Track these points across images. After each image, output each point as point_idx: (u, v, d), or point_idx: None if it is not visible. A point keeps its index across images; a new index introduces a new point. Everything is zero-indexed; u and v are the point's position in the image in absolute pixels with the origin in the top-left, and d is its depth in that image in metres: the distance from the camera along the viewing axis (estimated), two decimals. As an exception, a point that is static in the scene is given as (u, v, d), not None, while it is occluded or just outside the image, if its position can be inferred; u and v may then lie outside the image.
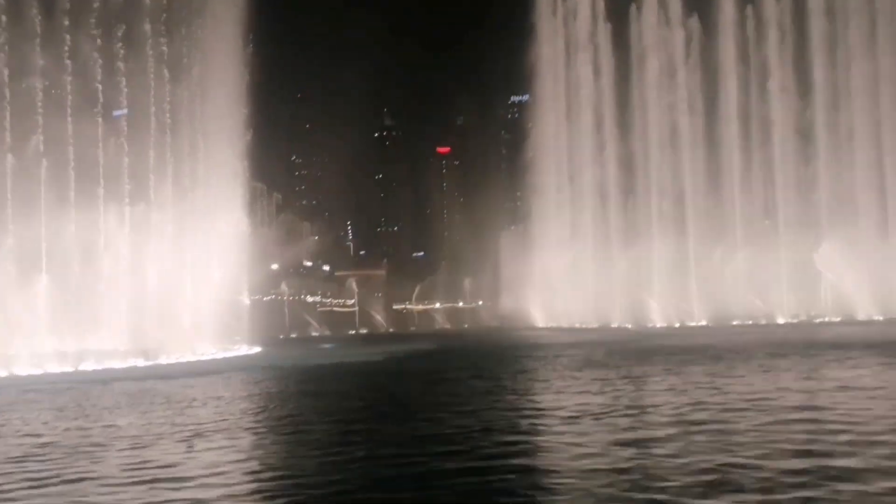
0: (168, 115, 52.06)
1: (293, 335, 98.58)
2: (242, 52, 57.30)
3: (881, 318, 73.67)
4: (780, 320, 78.95)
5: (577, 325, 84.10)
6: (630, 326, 79.90)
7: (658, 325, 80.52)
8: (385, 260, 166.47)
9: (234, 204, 59.45)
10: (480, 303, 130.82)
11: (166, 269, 48.74)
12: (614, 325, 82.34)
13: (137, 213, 48.80)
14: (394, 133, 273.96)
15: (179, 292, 49.83)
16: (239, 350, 54.34)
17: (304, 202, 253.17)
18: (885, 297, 73.98)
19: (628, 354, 36.55)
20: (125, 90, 49.15)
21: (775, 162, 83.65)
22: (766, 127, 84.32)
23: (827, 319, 78.27)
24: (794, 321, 78.31)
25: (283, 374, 33.95)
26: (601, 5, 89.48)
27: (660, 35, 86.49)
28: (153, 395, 23.85)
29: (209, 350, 49.89)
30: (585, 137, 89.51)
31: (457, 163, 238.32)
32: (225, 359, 47.22)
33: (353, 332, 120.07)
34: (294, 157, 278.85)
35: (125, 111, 50.37)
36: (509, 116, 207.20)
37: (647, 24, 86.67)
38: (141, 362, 42.19)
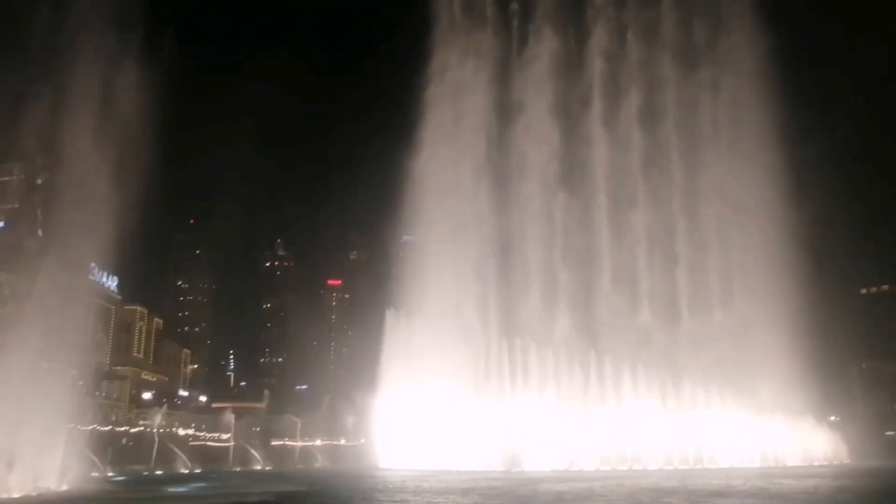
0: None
1: (157, 471, 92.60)
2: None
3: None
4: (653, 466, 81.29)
5: (455, 469, 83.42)
6: (503, 470, 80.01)
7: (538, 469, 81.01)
8: (266, 392, 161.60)
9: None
10: (363, 441, 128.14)
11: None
12: (488, 468, 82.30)
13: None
14: (286, 263, 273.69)
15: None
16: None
17: (186, 328, 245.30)
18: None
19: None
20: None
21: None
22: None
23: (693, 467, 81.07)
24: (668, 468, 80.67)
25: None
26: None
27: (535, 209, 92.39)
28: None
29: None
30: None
31: (347, 296, 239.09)
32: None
33: (226, 468, 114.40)
34: (181, 283, 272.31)
35: None
36: (400, 254, 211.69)
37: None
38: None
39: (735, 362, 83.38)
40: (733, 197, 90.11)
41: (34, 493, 46.61)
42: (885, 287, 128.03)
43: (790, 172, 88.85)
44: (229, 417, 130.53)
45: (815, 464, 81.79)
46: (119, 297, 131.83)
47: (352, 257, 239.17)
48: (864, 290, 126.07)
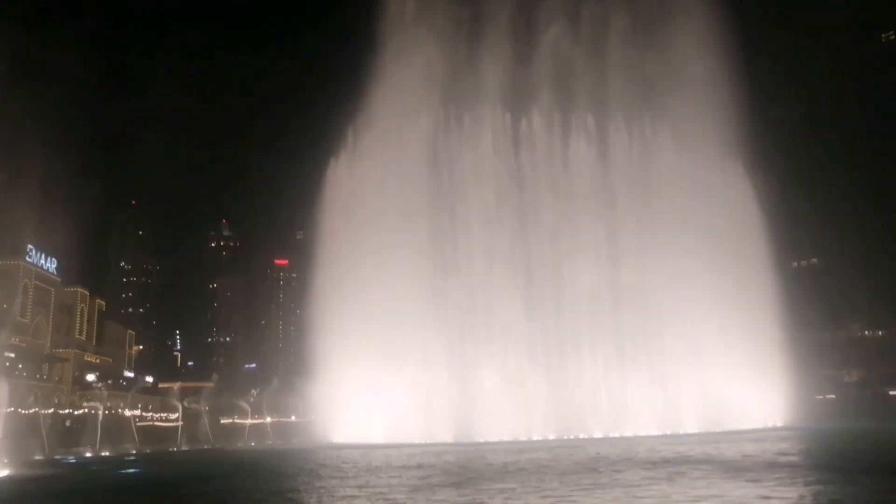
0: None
1: (103, 453, 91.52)
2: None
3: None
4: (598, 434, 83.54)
5: (406, 441, 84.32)
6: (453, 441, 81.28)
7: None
8: (214, 372, 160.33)
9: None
10: (314, 417, 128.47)
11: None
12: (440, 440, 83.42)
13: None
14: (231, 244, 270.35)
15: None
16: None
17: (130, 310, 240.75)
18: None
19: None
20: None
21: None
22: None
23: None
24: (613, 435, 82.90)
25: None
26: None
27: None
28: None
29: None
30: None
31: (294, 275, 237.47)
32: None
33: (174, 448, 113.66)
34: (123, 264, 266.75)
35: None
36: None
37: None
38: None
39: (678, 331, 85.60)
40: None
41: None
42: (815, 260, 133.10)
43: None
44: (177, 397, 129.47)
45: (753, 427, 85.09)
46: (59, 280, 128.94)
47: (298, 237, 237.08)
48: (794, 264, 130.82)
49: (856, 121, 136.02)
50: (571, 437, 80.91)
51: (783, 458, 42.25)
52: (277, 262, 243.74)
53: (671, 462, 40.41)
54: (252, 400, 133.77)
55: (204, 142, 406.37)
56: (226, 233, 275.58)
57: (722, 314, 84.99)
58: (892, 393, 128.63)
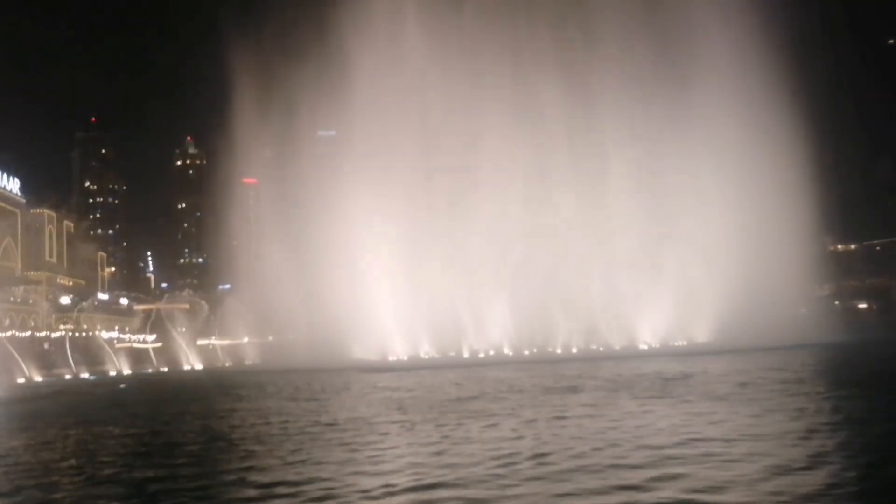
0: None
1: (83, 374, 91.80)
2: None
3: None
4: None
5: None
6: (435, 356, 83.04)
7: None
8: (188, 293, 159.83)
9: None
10: (291, 337, 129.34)
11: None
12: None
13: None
14: (197, 161, 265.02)
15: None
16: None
17: (99, 231, 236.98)
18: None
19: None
20: None
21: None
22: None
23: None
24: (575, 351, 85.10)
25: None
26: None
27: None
28: None
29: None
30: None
31: (264, 194, 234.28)
32: None
33: (151, 370, 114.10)
34: (88, 184, 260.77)
35: None
36: (316, 150, 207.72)
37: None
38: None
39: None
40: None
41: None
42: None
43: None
44: (153, 318, 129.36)
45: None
46: (23, 201, 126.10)
47: (266, 154, 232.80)
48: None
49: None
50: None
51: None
52: (245, 180, 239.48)
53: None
54: (225, 322, 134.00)
55: (166, 51, 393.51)
56: (191, 150, 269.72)
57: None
58: (860, 306, 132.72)
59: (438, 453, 18.32)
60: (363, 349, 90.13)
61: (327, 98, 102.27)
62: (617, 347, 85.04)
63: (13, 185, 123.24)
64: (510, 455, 17.33)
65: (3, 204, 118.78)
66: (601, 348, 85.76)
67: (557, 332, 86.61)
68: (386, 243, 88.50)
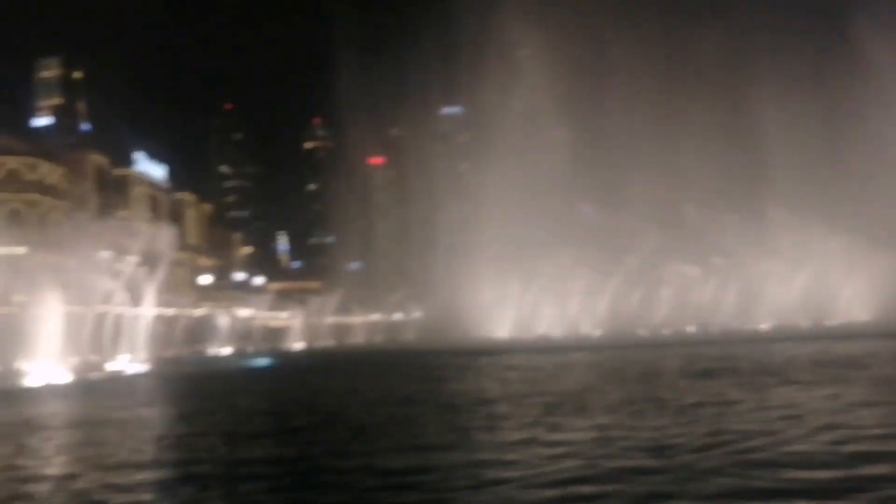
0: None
1: (225, 351, 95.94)
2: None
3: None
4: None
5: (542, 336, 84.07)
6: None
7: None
8: (319, 272, 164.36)
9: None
10: (419, 314, 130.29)
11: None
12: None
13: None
14: (325, 143, 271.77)
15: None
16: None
17: (233, 213, 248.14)
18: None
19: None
20: None
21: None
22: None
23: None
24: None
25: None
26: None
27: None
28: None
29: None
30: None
31: (390, 174, 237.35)
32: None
33: (290, 346, 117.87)
34: (223, 168, 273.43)
35: None
36: (443, 128, 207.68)
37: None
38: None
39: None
40: None
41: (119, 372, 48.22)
42: None
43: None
44: (288, 297, 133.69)
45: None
46: (168, 186, 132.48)
47: (392, 133, 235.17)
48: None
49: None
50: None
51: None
52: (372, 160, 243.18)
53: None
54: (356, 300, 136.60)
55: (291, 37, 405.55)
56: (319, 132, 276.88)
57: None
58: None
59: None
60: (492, 328, 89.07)
61: (453, 74, 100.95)
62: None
63: (160, 171, 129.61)
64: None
65: (151, 190, 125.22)
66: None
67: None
68: (519, 220, 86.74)
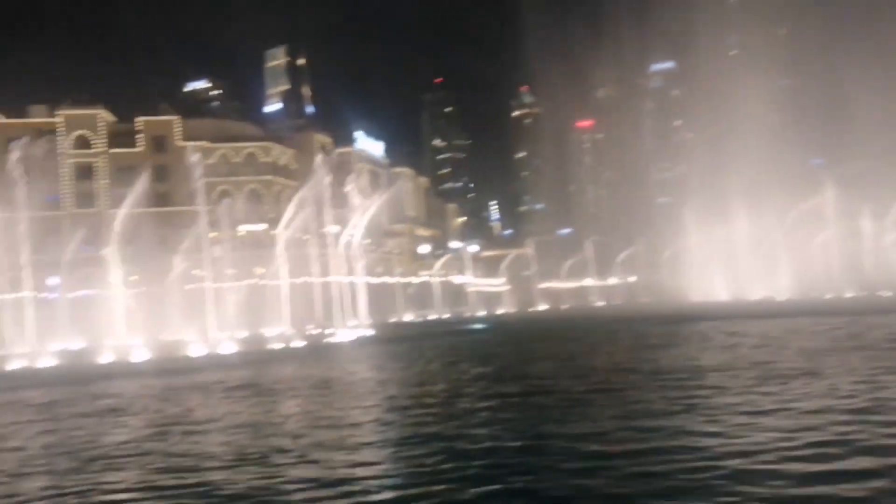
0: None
1: (444, 315, 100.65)
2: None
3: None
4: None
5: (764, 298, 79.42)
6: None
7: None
8: (530, 238, 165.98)
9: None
10: (634, 279, 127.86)
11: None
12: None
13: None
14: (533, 110, 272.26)
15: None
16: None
17: (448, 185, 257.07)
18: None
19: None
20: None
21: None
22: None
23: None
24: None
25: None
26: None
27: None
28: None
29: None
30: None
31: (599, 136, 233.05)
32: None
33: (503, 311, 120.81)
34: (436, 142, 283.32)
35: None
36: (651, 86, 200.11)
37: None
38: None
39: None
40: None
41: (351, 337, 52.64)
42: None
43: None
44: (500, 264, 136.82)
45: None
46: (386, 162, 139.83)
47: (600, 95, 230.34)
48: None
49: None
50: None
51: None
52: (580, 124, 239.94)
53: None
54: (567, 265, 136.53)
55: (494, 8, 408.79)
56: (526, 100, 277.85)
57: None
58: None
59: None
60: (711, 290, 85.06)
61: (661, 29, 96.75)
62: None
63: (378, 148, 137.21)
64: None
65: (372, 166, 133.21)
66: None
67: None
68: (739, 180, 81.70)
